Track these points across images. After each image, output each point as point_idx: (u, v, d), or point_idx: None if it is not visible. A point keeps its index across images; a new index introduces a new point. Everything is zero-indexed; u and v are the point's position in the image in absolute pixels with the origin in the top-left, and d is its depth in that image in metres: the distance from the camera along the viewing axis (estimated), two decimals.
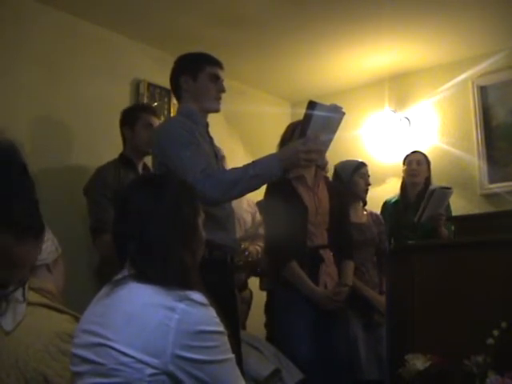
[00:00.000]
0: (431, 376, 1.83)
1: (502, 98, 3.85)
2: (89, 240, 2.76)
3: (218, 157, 2.26)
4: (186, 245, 1.30)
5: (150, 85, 3.59)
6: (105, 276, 2.60)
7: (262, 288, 3.13)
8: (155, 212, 1.28)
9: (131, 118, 2.89)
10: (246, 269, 3.09)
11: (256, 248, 3.13)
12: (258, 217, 3.20)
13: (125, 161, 2.87)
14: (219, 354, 1.18)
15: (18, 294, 1.42)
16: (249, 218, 3.27)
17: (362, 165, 3.12)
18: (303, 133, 1.99)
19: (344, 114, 2.06)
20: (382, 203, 3.48)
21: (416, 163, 3.38)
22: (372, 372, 2.75)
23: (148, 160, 2.96)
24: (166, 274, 1.20)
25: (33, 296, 1.52)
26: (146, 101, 3.52)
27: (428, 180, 3.38)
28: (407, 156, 3.47)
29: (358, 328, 2.82)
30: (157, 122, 2.96)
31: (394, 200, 3.44)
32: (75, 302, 1.59)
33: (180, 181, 1.46)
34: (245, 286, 3.21)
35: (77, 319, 1.50)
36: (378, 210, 3.35)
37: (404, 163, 3.46)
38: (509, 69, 3.80)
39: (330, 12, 3.32)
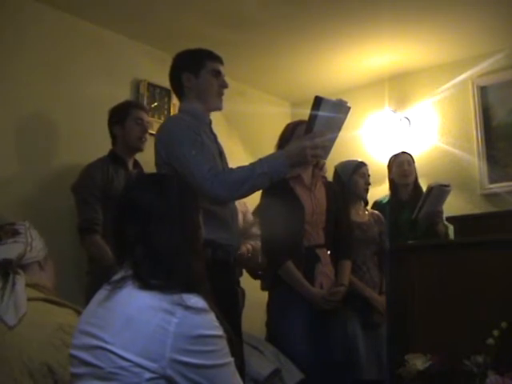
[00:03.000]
0: (431, 376, 1.83)
1: (502, 98, 3.84)
2: (75, 238, 2.74)
3: (222, 154, 2.22)
4: (192, 246, 1.28)
5: (149, 85, 3.59)
6: (96, 276, 2.59)
7: (263, 288, 3.11)
8: (165, 214, 1.26)
9: (121, 115, 2.87)
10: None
11: (247, 246, 3.11)
12: (250, 216, 3.17)
13: (115, 158, 2.85)
14: (218, 358, 1.16)
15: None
16: (239, 217, 3.23)
17: (362, 164, 3.11)
18: (309, 129, 1.97)
19: (350, 108, 2.05)
20: None
21: (407, 163, 3.36)
22: (371, 372, 2.75)
23: (138, 157, 2.96)
24: (170, 282, 1.17)
25: (31, 291, 1.53)
26: (146, 101, 3.52)
27: (416, 179, 3.38)
28: (395, 158, 3.43)
29: (357, 327, 2.82)
30: (147, 117, 2.95)
31: (385, 200, 3.41)
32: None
33: (183, 180, 1.46)
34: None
35: (77, 312, 1.51)
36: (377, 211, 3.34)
37: (391, 165, 3.42)
38: (509, 69, 3.80)
39: (330, 12, 3.32)
